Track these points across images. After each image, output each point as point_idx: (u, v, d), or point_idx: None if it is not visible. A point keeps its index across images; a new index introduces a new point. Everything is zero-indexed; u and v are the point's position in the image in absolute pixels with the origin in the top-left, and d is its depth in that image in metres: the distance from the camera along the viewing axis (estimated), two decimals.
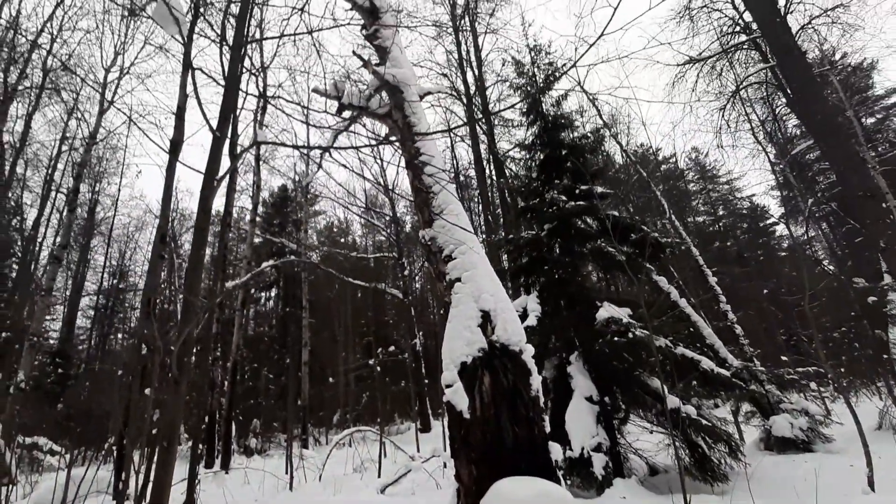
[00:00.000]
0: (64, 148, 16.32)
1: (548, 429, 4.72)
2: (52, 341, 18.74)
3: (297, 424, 14.23)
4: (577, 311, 6.79)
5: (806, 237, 19.64)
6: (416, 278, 25.29)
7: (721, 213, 25.90)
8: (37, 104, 14.85)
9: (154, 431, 6.72)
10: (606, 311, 6.18)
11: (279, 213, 23.56)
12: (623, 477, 5.73)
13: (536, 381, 4.77)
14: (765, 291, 19.94)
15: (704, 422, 5.72)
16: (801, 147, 17.24)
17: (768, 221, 25.04)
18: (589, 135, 8.18)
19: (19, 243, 17.53)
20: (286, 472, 8.94)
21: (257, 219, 16.10)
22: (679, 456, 4.99)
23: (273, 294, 25.33)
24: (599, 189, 7.27)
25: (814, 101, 8.51)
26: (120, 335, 23.12)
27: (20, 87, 13.77)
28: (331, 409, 18.97)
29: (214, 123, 4.17)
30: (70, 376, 17.22)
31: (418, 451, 9.69)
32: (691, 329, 7.66)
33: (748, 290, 19.36)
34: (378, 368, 15.27)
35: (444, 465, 7.93)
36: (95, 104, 15.45)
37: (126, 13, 13.16)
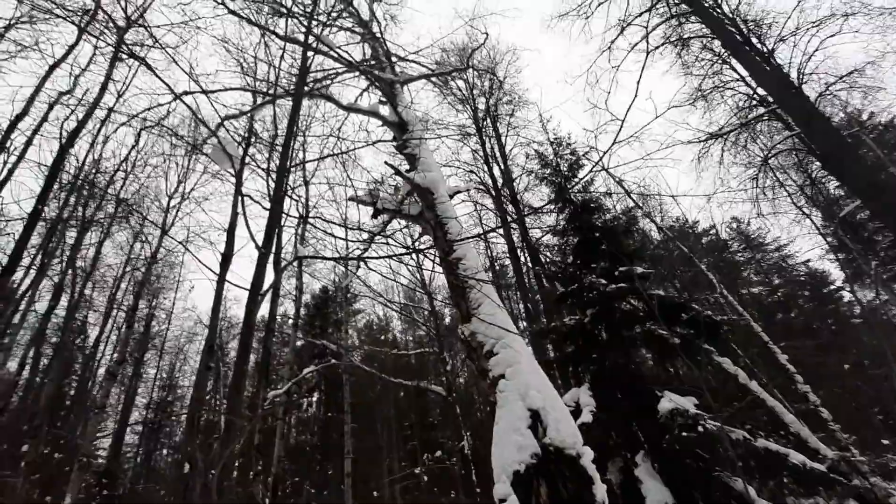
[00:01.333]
0: (127, 269, 17.76)
1: None
2: (100, 459, 18.75)
3: None
4: (636, 402, 6.24)
5: (878, 300, 18.00)
6: (460, 373, 24.44)
7: (777, 281, 24.38)
8: (108, 232, 16.53)
9: None
10: (669, 401, 5.64)
11: (320, 314, 24.07)
12: None
13: (601, 490, 4.26)
14: (846, 366, 17.89)
15: None
16: (848, 209, 16.54)
17: (832, 287, 23.26)
18: (621, 215, 8.19)
19: (79, 361, 18.44)
20: None
21: (299, 321, 16.47)
22: None
23: (315, 399, 24.95)
24: (639, 269, 7.07)
25: (851, 162, 8.30)
26: (165, 451, 22.94)
27: (95, 218, 15.48)
28: None
29: (259, 239, 4.45)
30: (115, 497, 16.88)
31: None
32: (769, 416, 6.83)
33: (826, 367, 17.43)
34: (425, 478, 14.19)
35: None
36: (158, 227, 17.05)
37: (189, 148, 14.99)
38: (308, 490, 16.57)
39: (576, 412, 6.41)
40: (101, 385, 15.46)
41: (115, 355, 15.72)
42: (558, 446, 4.71)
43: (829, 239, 17.07)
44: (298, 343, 19.35)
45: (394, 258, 13.62)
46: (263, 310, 18.47)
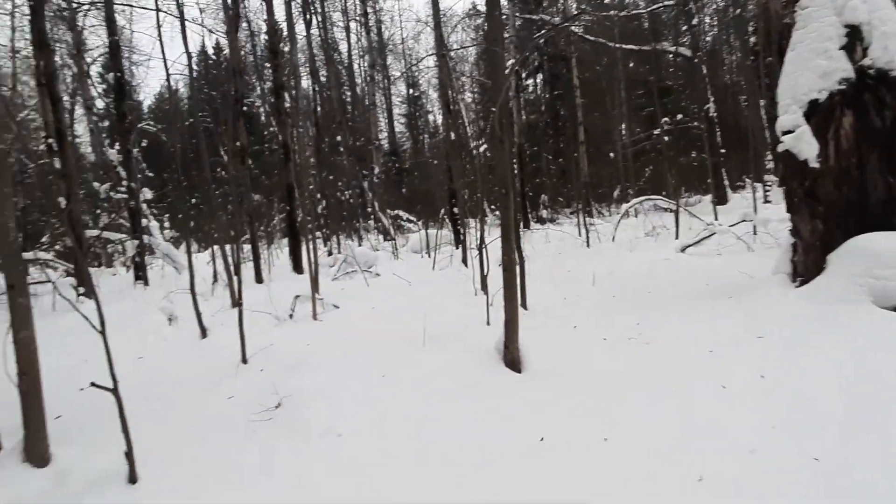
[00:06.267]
0: None
1: None
2: (384, 144, 24.49)
3: (578, 201, 15.14)
4: None
5: None
6: (706, 28, 20.21)
7: None
8: None
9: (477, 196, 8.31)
10: None
11: None
12: None
13: None
14: None
15: None
16: None
17: None
18: None
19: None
20: (579, 235, 10.00)
21: None
22: None
23: (539, 79, 25.00)
24: None
25: None
26: (426, 136, 27.87)
27: None
28: (610, 186, 19.32)
29: None
30: (404, 169, 22.70)
31: (716, 219, 9.07)
32: None
33: None
34: (666, 138, 13.99)
35: (755, 231, 7.26)
36: None
37: None
38: (546, 157, 18.67)
39: None
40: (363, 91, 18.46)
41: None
42: (882, 68, 3.73)
43: None
44: (517, 22, 18.27)
45: None
46: None
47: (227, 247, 7.29)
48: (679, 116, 14.84)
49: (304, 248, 10.05)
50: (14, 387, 2.48)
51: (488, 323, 4.40)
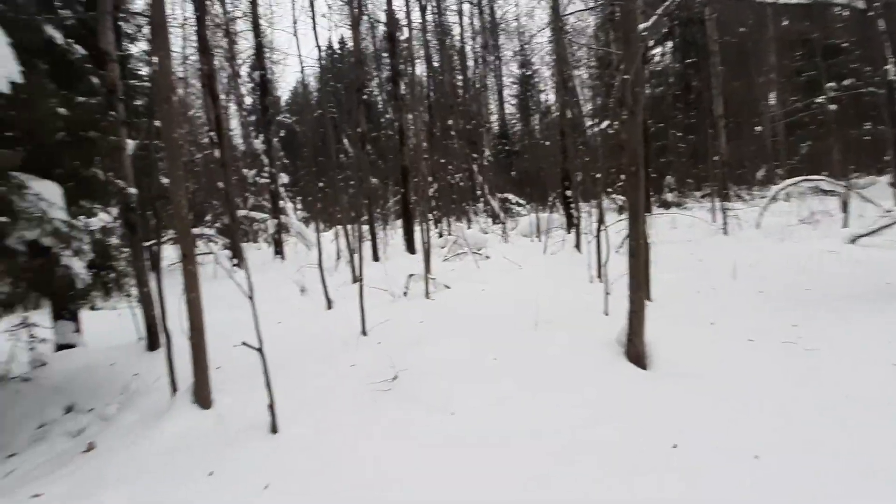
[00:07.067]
0: None
1: None
2: (494, 126, 24.25)
3: (713, 183, 13.48)
4: None
5: None
6: None
7: None
8: None
9: (596, 177, 7.82)
10: None
11: None
12: None
13: None
14: None
15: None
16: None
17: None
18: None
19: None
20: (713, 221, 8.89)
21: None
22: None
23: (669, 48, 22.54)
24: None
25: None
26: (538, 115, 27.01)
27: None
28: (753, 166, 16.79)
29: None
30: (513, 151, 22.30)
31: None
32: None
33: None
34: (832, 107, 11.67)
35: None
36: None
37: None
38: (674, 134, 16.88)
39: None
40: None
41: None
42: None
43: None
44: None
45: None
46: None
47: (348, 227, 7.85)
48: (849, 81, 12.25)
49: (416, 229, 10.42)
50: (187, 340, 2.94)
51: (606, 313, 4.11)
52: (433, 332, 4.22)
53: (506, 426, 2.47)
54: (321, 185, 13.26)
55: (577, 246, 7.66)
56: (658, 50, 22.93)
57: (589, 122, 12.19)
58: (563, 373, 2.99)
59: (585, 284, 5.28)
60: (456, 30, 20.47)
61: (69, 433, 3.15)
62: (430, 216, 11.69)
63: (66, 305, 4.19)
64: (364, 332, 4.39)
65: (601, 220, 5.35)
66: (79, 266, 2.99)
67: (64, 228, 2.79)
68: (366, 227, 10.56)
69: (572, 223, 9.21)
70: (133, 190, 4.29)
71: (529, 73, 25.52)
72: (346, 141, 16.65)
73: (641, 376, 2.95)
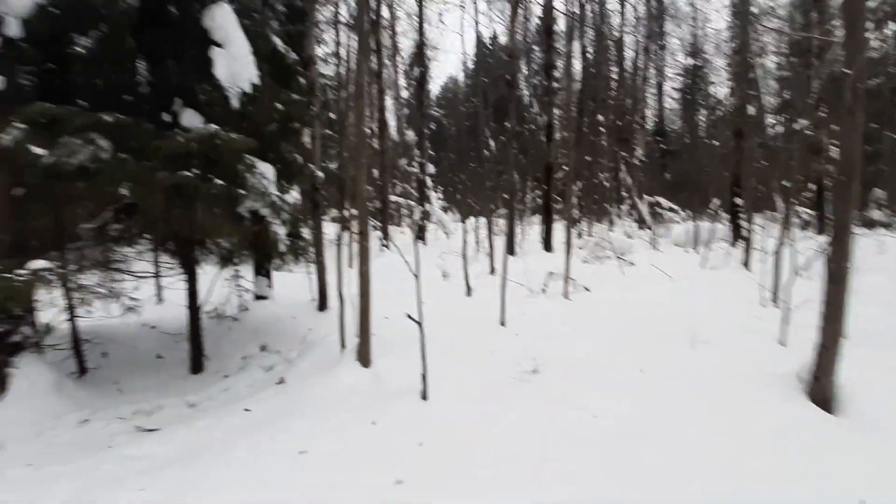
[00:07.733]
0: None
1: None
2: (650, 123, 22.30)
3: None
4: None
5: None
6: None
7: None
8: None
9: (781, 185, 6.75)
10: None
11: None
12: None
13: None
14: None
15: None
16: None
17: None
18: None
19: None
20: None
21: None
22: None
23: (892, 30, 18.11)
24: None
25: None
26: (704, 111, 24.14)
27: None
28: None
29: None
30: (670, 151, 20.32)
31: None
32: None
33: None
34: None
35: None
36: None
37: None
38: (889, 137, 13.61)
39: None
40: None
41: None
42: None
43: None
44: None
45: None
46: None
47: (487, 219, 8.06)
48: None
49: (555, 227, 10.21)
50: (352, 306, 3.38)
51: (783, 343, 3.57)
52: (572, 332, 4.15)
53: (659, 442, 2.34)
54: (463, 177, 13.78)
55: (746, 263, 6.73)
56: (874, 34, 18.72)
57: (772, 121, 10.50)
58: (729, 403, 2.70)
59: (755, 307, 4.63)
60: (615, 19, 19.24)
61: (263, 367, 3.89)
62: (573, 215, 11.35)
63: (265, 264, 5.12)
64: (503, 323, 4.51)
65: (785, 236, 4.61)
66: (282, 233, 3.64)
67: (277, 202, 3.43)
68: (502, 221, 10.71)
69: (740, 235, 8.10)
70: (320, 173, 5.04)
71: (700, 63, 22.83)
72: (486, 132, 17.00)
73: (829, 423, 2.52)
